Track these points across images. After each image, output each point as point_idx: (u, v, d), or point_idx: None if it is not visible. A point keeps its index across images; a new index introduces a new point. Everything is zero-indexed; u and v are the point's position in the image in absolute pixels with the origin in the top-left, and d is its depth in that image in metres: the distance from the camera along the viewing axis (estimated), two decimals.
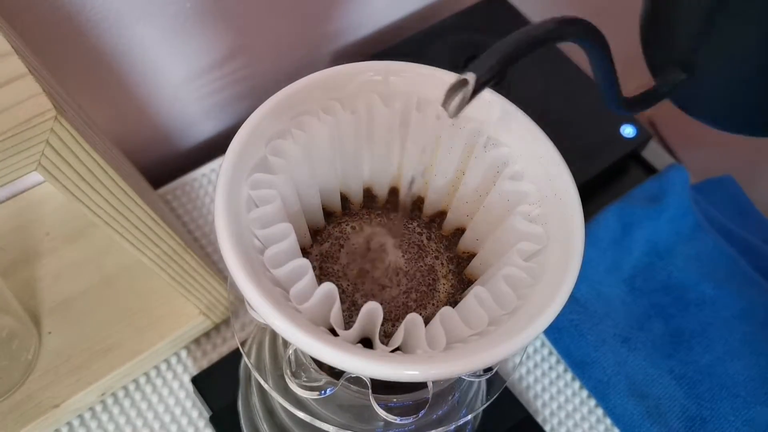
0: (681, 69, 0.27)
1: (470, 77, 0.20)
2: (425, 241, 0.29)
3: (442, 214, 0.30)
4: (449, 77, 0.27)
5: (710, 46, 0.25)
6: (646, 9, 0.28)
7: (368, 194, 0.30)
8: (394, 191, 0.30)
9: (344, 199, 0.29)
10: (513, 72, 0.55)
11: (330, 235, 0.28)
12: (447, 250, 0.29)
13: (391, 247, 0.28)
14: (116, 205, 0.30)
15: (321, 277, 0.27)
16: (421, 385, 0.28)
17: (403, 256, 0.28)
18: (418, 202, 0.30)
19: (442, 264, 0.28)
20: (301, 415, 0.29)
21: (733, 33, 0.24)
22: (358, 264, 0.27)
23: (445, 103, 0.21)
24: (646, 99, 0.28)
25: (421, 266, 0.28)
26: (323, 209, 0.28)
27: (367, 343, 0.23)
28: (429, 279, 0.27)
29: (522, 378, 0.46)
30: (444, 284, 0.27)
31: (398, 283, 0.27)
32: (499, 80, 0.21)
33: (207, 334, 0.46)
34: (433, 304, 0.27)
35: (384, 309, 0.25)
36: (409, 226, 0.29)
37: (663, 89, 0.28)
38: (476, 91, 0.20)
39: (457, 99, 0.20)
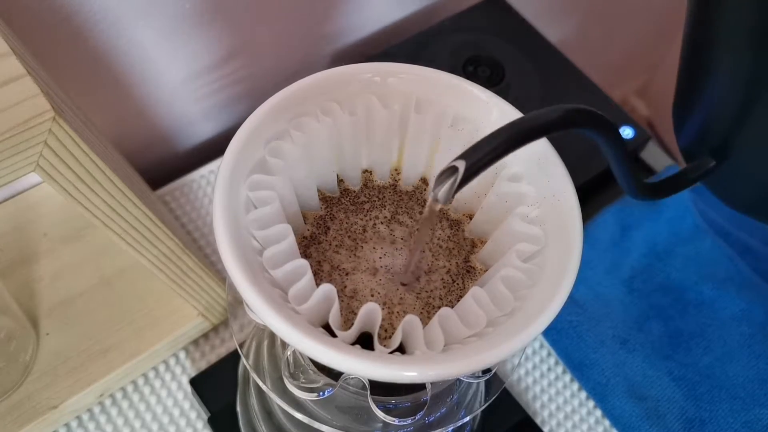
0: (711, 155, 0.26)
1: (460, 165, 0.19)
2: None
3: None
4: (448, 78, 0.27)
5: (742, 136, 0.24)
6: (678, 95, 0.27)
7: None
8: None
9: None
10: (511, 73, 0.55)
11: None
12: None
13: (388, 245, 0.28)
14: (114, 206, 0.30)
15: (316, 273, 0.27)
16: (419, 387, 0.28)
17: (401, 252, 0.28)
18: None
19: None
20: (299, 416, 0.29)
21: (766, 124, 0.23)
22: (353, 260, 0.27)
23: (435, 189, 0.20)
24: (673, 184, 0.27)
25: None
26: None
27: (366, 343, 0.23)
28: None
29: (521, 379, 0.46)
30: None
31: (395, 279, 0.27)
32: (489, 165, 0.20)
33: (205, 336, 0.46)
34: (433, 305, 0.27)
35: (383, 309, 0.25)
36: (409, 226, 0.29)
37: (691, 175, 0.27)
38: (465, 181, 0.19)
39: (447, 185, 0.20)
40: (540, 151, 0.26)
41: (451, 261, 0.27)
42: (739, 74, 0.23)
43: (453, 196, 0.20)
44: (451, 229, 0.28)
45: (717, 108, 0.25)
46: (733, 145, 0.25)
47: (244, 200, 0.24)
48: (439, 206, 0.21)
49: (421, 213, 0.29)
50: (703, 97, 0.25)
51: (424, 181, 0.29)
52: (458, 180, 0.19)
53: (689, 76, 0.26)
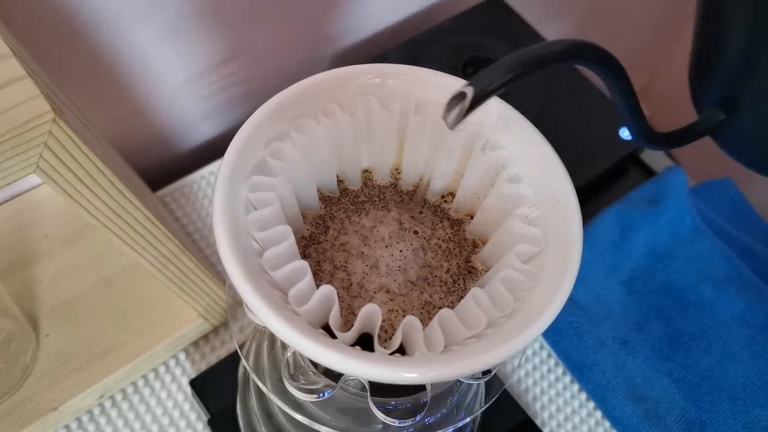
0: (722, 109, 0.27)
1: (468, 91, 0.20)
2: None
3: None
4: (447, 80, 0.28)
5: (752, 89, 0.25)
6: (694, 50, 0.27)
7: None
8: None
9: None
10: None
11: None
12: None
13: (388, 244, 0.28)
14: (114, 207, 0.30)
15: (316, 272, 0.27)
16: (419, 388, 0.28)
17: (401, 252, 0.28)
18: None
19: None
20: (299, 417, 0.29)
21: None
22: (353, 260, 0.27)
23: (445, 115, 0.21)
24: (683, 136, 0.28)
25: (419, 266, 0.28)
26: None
27: (366, 344, 0.23)
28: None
29: (521, 380, 0.46)
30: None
31: (396, 279, 0.27)
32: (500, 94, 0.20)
33: (205, 337, 0.45)
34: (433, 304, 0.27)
35: (383, 308, 0.25)
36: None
37: (701, 127, 0.27)
38: (473, 106, 0.20)
39: (455, 111, 0.20)
40: (540, 153, 0.26)
41: (452, 261, 0.27)
42: (748, 26, 0.23)
43: (461, 121, 0.20)
44: (452, 228, 0.28)
45: (728, 60, 0.25)
46: (742, 98, 0.25)
47: (244, 201, 0.24)
48: (451, 129, 0.21)
49: (421, 212, 0.29)
50: (716, 50, 0.26)
51: (425, 180, 0.29)
52: (467, 105, 0.20)
53: (704, 29, 0.26)
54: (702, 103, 0.28)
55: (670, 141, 0.28)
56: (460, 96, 0.20)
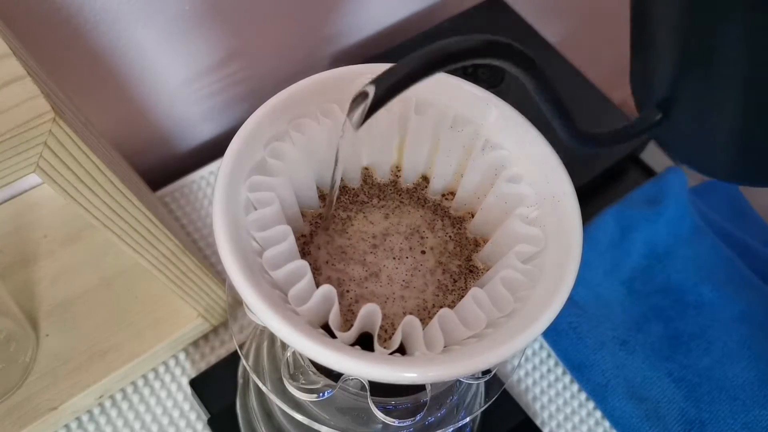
0: (659, 109, 0.26)
1: (370, 90, 0.19)
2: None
3: None
4: (447, 80, 0.27)
5: (686, 90, 0.25)
6: (631, 47, 0.27)
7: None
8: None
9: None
10: (511, 75, 0.55)
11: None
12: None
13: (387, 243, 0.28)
14: (114, 207, 0.30)
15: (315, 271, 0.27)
16: (419, 388, 0.28)
17: (401, 251, 0.28)
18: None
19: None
20: (299, 417, 0.29)
21: (711, 78, 0.24)
22: (352, 258, 0.27)
23: (349, 114, 0.20)
24: (619, 135, 0.27)
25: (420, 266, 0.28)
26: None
27: (366, 344, 0.23)
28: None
29: (520, 380, 0.46)
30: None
31: (396, 278, 0.27)
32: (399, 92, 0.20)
33: (205, 337, 0.45)
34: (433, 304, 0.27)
35: (382, 307, 0.25)
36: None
37: (638, 127, 0.27)
38: (375, 105, 0.19)
39: (359, 110, 0.20)
40: (540, 153, 0.26)
41: (453, 260, 0.27)
42: (675, 25, 0.23)
43: (364, 121, 0.20)
44: (453, 227, 0.28)
45: (662, 56, 0.25)
46: (677, 96, 0.25)
47: (243, 201, 0.24)
48: (354, 131, 0.21)
49: (421, 210, 0.29)
50: (649, 49, 0.26)
51: (425, 178, 0.29)
52: (368, 105, 0.19)
53: (638, 27, 0.26)
54: (641, 102, 0.28)
55: (602, 141, 0.27)
56: (362, 95, 0.19)
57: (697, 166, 0.28)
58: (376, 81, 0.19)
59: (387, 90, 0.19)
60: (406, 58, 0.19)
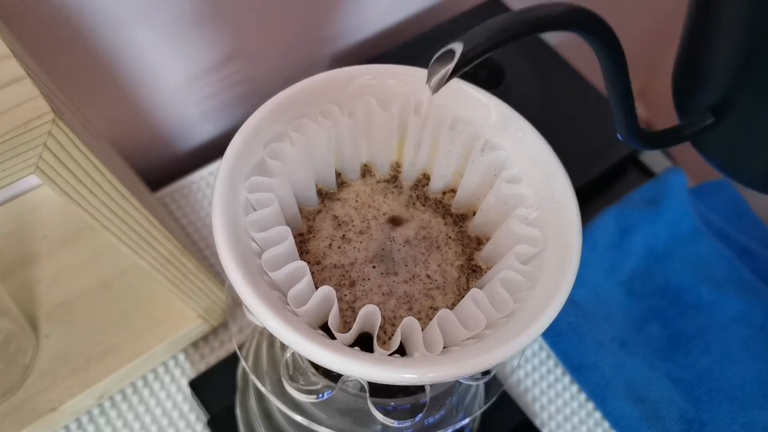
0: (711, 113, 0.25)
1: (457, 48, 0.18)
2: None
3: None
4: None
5: (745, 96, 0.24)
6: (683, 49, 0.27)
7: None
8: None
9: None
10: (511, 75, 0.55)
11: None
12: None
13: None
14: (114, 208, 0.30)
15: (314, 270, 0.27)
16: (419, 389, 0.28)
17: (401, 250, 0.28)
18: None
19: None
20: (298, 418, 0.29)
21: None
22: (351, 257, 0.27)
23: (428, 79, 0.19)
24: (668, 137, 0.26)
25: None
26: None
27: (365, 345, 0.23)
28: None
29: (520, 381, 0.46)
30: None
31: (396, 278, 0.27)
32: (486, 56, 0.18)
33: (205, 338, 0.45)
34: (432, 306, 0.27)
35: (381, 308, 0.25)
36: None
37: (687, 131, 0.26)
38: (460, 66, 0.18)
39: (440, 74, 0.19)
40: (539, 153, 0.26)
41: (454, 260, 0.27)
42: (740, 26, 0.22)
43: (447, 82, 0.19)
44: (455, 225, 0.28)
45: (723, 60, 0.24)
46: (734, 100, 0.24)
47: (243, 202, 0.24)
48: (433, 94, 0.20)
49: (422, 209, 0.29)
50: (711, 51, 0.24)
51: (425, 176, 0.29)
52: (453, 66, 0.18)
53: (698, 28, 0.25)
54: (688, 106, 0.27)
55: (651, 141, 0.27)
56: (445, 56, 0.18)
57: (737, 176, 0.27)
58: (465, 39, 0.18)
59: (476, 48, 0.18)
60: (489, 21, 0.18)
